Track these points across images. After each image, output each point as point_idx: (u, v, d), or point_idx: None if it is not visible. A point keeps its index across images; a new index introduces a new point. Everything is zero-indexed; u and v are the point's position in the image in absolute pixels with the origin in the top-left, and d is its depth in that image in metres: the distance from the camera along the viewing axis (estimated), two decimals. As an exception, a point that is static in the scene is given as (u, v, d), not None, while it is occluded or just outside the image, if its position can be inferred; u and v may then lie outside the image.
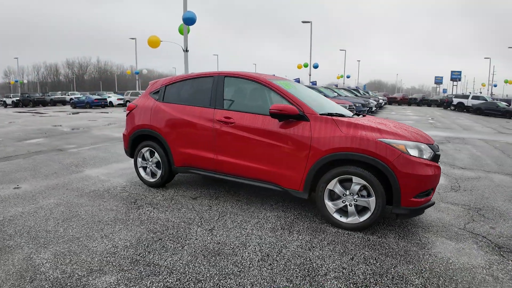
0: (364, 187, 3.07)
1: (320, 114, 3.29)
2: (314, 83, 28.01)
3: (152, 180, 4.27)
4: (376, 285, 2.26)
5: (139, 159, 4.34)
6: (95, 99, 25.46)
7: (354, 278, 2.33)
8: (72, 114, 18.96)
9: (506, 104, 24.46)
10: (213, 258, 2.55)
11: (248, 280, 2.28)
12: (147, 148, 4.23)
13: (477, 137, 10.41)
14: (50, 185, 4.30)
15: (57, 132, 9.87)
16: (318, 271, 2.42)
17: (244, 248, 2.73)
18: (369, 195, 3.07)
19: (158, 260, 2.49)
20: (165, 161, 4.07)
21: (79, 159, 5.95)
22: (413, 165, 2.94)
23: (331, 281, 2.29)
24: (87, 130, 10.58)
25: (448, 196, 4.27)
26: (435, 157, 3.18)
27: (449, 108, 28.97)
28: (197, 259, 2.52)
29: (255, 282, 2.25)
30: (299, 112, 3.24)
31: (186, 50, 10.50)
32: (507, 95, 44.31)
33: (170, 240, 2.82)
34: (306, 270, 2.43)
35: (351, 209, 3.15)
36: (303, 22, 28.77)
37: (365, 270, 2.44)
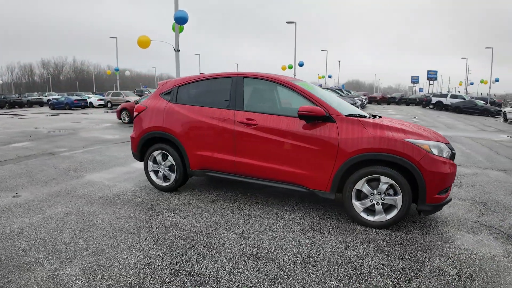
0: (390, 186, 3.09)
1: (345, 116, 3.28)
2: None
3: (164, 184, 4.08)
4: (418, 278, 2.32)
5: (150, 163, 4.13)
6: (75, 100, 24.26)
7: (396, 274, 2.36)
8: (52, 115, 17.95)
9: (484, 102, 25.71)
10: (255, 263, 2.45)
11: (298, 283, 2.20)
12: (159, 151, 4.03)
13: (462, 135, 10.89)
14: (52, 192, 4.00)
15: (42, 135, 9.28)
16: (361, 269, 2.42)
17: (281, 251, 2.65)
18: (395, 194, 3.09)
19: (199, 268, 2.34)
20: (180, 164, 3.90)
21: (75, 163, 5.60)
22: (437, 163, 2.99)
23: (376, 278, 2.30)
24: (73, 132, 10.04)
25: (453, 192, 4.39)
26: (452, 156, 3.26)
27: (428, 107, 30.18)
28: (238, 265, 2.40)
29: (306, 285, 2.18)
30: (326, 114, 3.21)
31: (177, 50, 10.21)
32: (481, 94, 46.81)
33: (203, 246, 2.68)
34: (350, 269, 2.41)
35: (378, 207, 3.15)
36: (288, 22, 28.87)
37: (404, 265, 2.49)
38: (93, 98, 26.32)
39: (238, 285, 2.16)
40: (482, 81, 36.46)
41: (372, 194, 3.15)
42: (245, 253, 2.60)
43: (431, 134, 3.34)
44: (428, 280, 2.29)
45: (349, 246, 2.78)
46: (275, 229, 3.08)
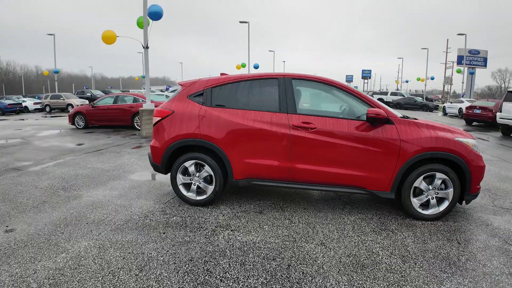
0: (442, 181, 3.14)
1: (400, 118, 3.22)
2: None
3: (199, 197, 3.46)
4: (494, 257, 2.54)
5: (180, 175, 3.45)
6: (9, 105, 19.92)
7: (476, 255, 2.46)
8: (-25, 122, 14.46)
9: (422, 99, 28.54)
10: (365, 271, 2.23)
11: (418, 281, 2.05)
12: (193, 161, 3.39)
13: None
14: (56, 221, 3.04)
15: (-18, 147, 7.30)
16: (451, 258, 2.48)
17: (375, 254, 2.49)
18: (446, 188, 3.16)
19: (326, 296, 1.97)
20: (220, 174, 3.35)
21: (58, 180, 4.47)
22: (478, 158, 3.15)
23: (467, 263, 2.29)
24: (24, 141, 8.14)
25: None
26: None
27: (369, 104, 32.63)
28: (353, 277, 2.14)
29: (426, 281, 2.04)
30: (387, 116, 3.10)
31: (146, 47, 9.05)
32: (416, 90, 52.62)
33: (300, 264, 2.29)
34: (444, 260, 2.44)
35: (432, 201, 3.19)
36: (241, 22, 28.38)
37: (472, 248, 2.69)
38: (29, 102, 22.08)
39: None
40: (418, 79, 40.47)
41: (428, 190, 3.16)
42: (346, 263, 2.34)
43: (465, 132, 3.49)
44: (497, 256, 2.52)
45: (425, 240, 2.77)
46: (348, 234, 2.86)
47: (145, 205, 3.52)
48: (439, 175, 3.12)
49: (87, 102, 19.72)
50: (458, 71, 30.93)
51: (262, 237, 2.75)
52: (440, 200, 3.20)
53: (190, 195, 3.47)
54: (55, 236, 2.73)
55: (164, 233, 2.80)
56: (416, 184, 3.14)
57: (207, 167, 3.36)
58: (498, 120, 10.24)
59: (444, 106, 21.64)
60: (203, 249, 2.50)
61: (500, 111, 10.18)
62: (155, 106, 8.87)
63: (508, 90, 10.48)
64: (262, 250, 2.51)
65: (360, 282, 2.11)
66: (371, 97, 3.31)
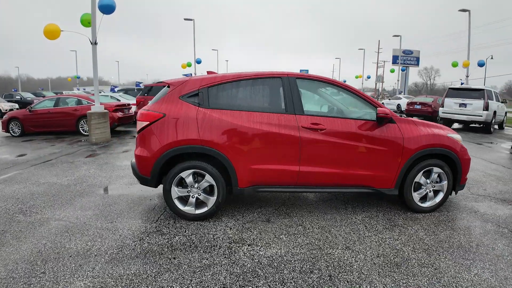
0: (438, 175, 3.39)
1: (400, 117, 3.35)
2: (189, 75, 27.39)
3: (199, 211, 3.14)
4: (496, 240, 2.84)
5: (175, 188, 3.09)
6: None
7: (476, 238, 2.75)
8: None
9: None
10: (403, 269, 2.31)
11: (450, 270, 2.20)
12: (191, 170, 3.06)
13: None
14: (28, 256, 2.45)
15: None
16: (463, 244, 2.77)
17: (402, 251, 2.61)
18: (441, 181, 3.42)
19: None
20: (223, 183, 3.10)
21: (10, 202, 3.65)
22: (465, 152, 3.49)
23: (479, 248, 2.56)
24: None
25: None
26: None
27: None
28: (395, 278, 2.12)
29: (458, 270, 2.26)
30: (390, 116, 3.19)
31: (95, 43, 8.04)
32: None
33: (340, 272, 2.23)
34: (461, 248, 2.70)
35: (430, 194, 3.43)
36: (186, 19, 27.18)
37: (481, 232, 3.01)
38: None
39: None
40: (357, 77, 43.64)
41: (426, 184, 3.38)
42: (380, 264, 2.39)
43: (451, 129, 3.81)
44: (499, 239, 2.85)
45: (434, 232, 2.98)
46: (365, 234, 2.91)
47: (133, 225, 3.08)
48: (436, 169, 3.35)
49: (16, 106, 17.11)
50: (392, 71, 34.15)
51: (285, 248, 2.61)
52: (435, 193, 3.45)
53: (188, 209, 3.13)
54: (36, 278, 2.20)
55: (174, 258, 2.47)
56: (416, 179, 3.32)
57: (207, 177, 3.07)
58: (441, 115, 11.58)
59: (383, 102, 23.91)
60: (230, 271, 2.27)
61: (443, 107, 11.53)
62: (105, 109, 8.00)
63: (450, 87, 11.92)
64: (293, 263, 2.38)
65: (404, 282, 2.16)
66: (371, 97, 3.37)
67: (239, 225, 3.08)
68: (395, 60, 32.33)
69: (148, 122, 3.08)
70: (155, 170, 3.06)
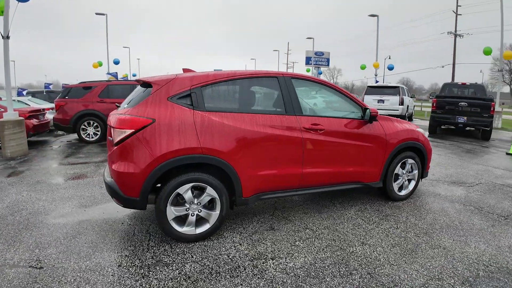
0: (411, 165, 3.86)
1: (379, 114, 3.66)
2: (114, 74, 24.86)
3: (200, 230, 2.77)
4: (470, 217, 3.31)
5: (171, 208, 2.67)
6: None
7: (452, 215, 3.22)
8: None
9: None
10: (420, 254, 2.50)
11: (456, 254, 2.49)
12: (190, 184, 2.68)
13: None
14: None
15: None
16: (455, 224, 3.10)
17: (409, 238, 2.83)
18: (413, 170, 3.91)
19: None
20: (227, 195, 2.83)
21: None
22: (429, 143, 4.09)
23: (470, 222, 3.03)
24: None
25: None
26: None
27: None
28: (420, 262, 2.33)
29: (455, 249, 2.56)
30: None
31: (7, 37, 6.29)
32: None
33: (375, 268, 2.30)
34: (452, 228, 3.03)
35: (405, 183, 3.88)
36: (97, 14, 24.04)
37: (455, 211, 3.42)
38: None
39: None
40: None
41: (402, 174, 3.80)
42: (402, 253, 2.60)
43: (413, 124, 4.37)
44: (471, 216, 3.34)
45: (421, 216, 3.39)
46: (368, 227, 3.11)
47: (121, 259, 2.53)
48: (410, 160, 3.80)
49: None
50: (308, 70, 37.45)
51: (310, 256, 2.55)
52: (409, 181, 3.92)
53: (187, 229, 2.75)
54: None
55: (200, 289, 2.13)
56: (396, 171, 3.70)
57: (209, 189, 2.75)
58: None
59: None
60: (274, 285, 2.08)
61: None
62: (19, 116, 6.38)
63: (368, 85, 13.71)
64: (328, 269, 2.36)
65: (429, 264, 2.41)
66: (356, 97, 3.59)
67: (246, 238, 2.87)
68: (308, 61, 35.25)
69: (133, 130, 2.56)
70: (146, 189, 2.58)
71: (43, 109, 8.06)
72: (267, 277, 2.26)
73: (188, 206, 2.72)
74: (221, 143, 2.72)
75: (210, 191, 2.75)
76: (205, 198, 2.76)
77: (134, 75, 40.71)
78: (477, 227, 3.10)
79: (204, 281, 2.22)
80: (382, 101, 12.62)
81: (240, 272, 2.32)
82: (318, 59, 35.67)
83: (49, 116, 8.61)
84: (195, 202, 2.74)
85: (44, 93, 13.37)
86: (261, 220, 3.28)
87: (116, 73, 18.61)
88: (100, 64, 25.81)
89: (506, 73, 16.12)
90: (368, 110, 3.37)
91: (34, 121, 7.31)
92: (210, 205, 2.82)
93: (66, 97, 8.04)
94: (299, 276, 2.26)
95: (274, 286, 2.15)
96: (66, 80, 35.95)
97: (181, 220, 2.76)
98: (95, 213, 3.45)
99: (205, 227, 2.81)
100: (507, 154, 6.96)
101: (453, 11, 27.38)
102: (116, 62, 27.02)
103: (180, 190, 2.66)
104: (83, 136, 8.06)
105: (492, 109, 8.67)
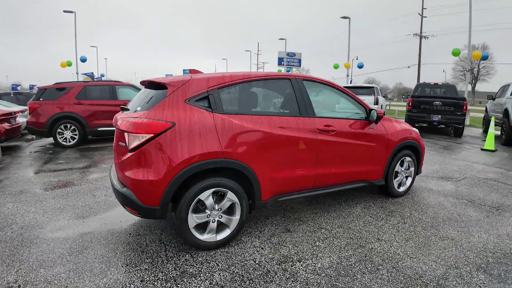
0: (408, 163, 4.10)
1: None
2: (90, 74, 23.57)
3: (221, 237, 2.75)
4: (465, 209, 3.51)
5: (193, 215, 2.61)
6: None
7: (448, 208, 3.48)
8: None
9: None
10: (430, 246, 2.68)
11: (464, 244, 2.72)
12: (211, 190, 2.64)
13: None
14: None
15: None
16: (455, 217, 3.31)
17: (419, 231, 3.01)
18: (409, 168, 4.16)
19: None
20: (247, 199, 2.82)
21: None
22: (422, 141, 4.34)
23: (468, 210, 3.25)
24: None
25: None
26: None
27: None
28: (438, 252, 2.51)
29: (456, 236, 2.77)
30: None
31: None
32: None
33: (397, 262, 2.44)
34: (455, 221, 3.21)
35: (404, 180, 4.13)
36: (65, 11, 22.57)
37: (450, 204, 3.69)
38: None
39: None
40: None
41: (401, 172, 4.03)
42: (416, 246, 2.79)
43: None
44: (466, 209, 3.59)
45: (422, 211, 3.60)
46: (378, 224, 3.26)
47: (142, 274, 2.43)
48: (407, 158, 4.04)
49: None
50: (279, 71, 38.11)
51: (334, 255, 2.64)
52: (406, 178, 4.14)
53: (208, 237, 2.71)
54: None
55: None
56: (396, 169, 3.91)
57: (230, 194, 2.73)
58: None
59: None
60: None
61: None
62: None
63: (344, 86, 14.22)
64: (355, 266, 2.46)
65: (444, 255, 2.61)
66: (360, 98, 3.74)
67: (266, 242, 2.89)
68: (280, 61, 35.72)
69: (153, 135, 2.46)
70: (167, 197, 2.50)
71: (14, 112, 7.42)
72: (301, 279, 2.30)
73: (209, 212, 2.68)
74: (242, 147, 2.71)
75: (231, 196, 2.73)
76: (226, 203, 2.73)
77: (102, 75, 38.78)
78: (474, 219, 3.37)
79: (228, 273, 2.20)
80: (358, 101, 13.13)
81: (273, 277, 2.33)
82: (290, 59, 36.21)
83: (20, 119, 7.95)
84: (216, 208, 2.70)
85: (12, 95, 12.28)
86: (274, 222, 3.31)
87: (92, 73, 17.62)
88: (69, 64, 24.21)
89: (468, 73, 17.54)
90: (373, 111, 3.52)
91: (6, 125, 6.71)
92: (230, 210, 2.79)
93: (41, 99, 7.47)
94: (331, 276, 2.33)
95: (311, 287, 2.19)
96: (31, 81, 33.43)
97: (201, 227, 2.71)
98: (96, 224, 3.27)
99: (226, 233, 2.78)
100: (482, 150, 7.59)
101: (419, 13, 29.22)
102: (83, 60, 25.50)
103: (202, 196, 2.61)
104: (60, 140, 7.54)
105: (464, 107, 9.40)
